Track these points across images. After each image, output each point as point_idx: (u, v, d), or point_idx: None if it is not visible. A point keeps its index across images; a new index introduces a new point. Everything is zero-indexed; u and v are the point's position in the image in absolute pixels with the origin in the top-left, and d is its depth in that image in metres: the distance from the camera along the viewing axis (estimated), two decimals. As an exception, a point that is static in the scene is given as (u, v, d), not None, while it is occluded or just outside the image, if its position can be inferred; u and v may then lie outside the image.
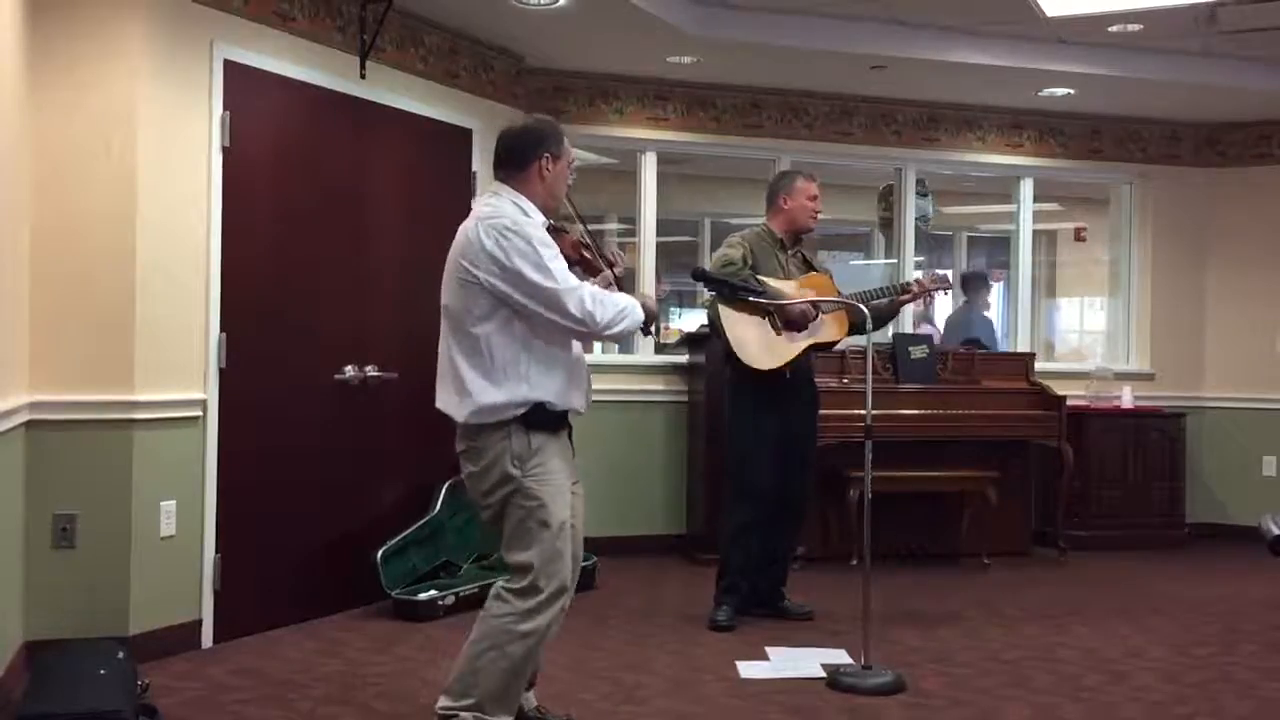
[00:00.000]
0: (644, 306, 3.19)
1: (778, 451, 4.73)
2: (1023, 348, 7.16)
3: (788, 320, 4.66)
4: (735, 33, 5.68)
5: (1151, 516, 6.87)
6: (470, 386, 3.04)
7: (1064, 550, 6.42)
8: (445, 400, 3.13)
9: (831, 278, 4.90)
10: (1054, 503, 6.49)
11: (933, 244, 7.53)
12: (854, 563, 5.69)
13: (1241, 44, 6.01)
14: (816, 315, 4.69)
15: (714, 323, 4.71)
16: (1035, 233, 7.56)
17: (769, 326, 4.66)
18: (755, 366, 4.63)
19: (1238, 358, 7.31)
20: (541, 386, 3.06)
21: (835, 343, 4.91)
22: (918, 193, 7.13)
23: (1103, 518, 6.78)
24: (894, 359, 6.33)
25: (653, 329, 3.33)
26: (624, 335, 3.21)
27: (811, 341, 4.74)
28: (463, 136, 5.48)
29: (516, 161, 3.17)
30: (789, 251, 4.82)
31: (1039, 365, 6.81)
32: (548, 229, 3.18)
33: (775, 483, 4.73)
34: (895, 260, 7.22)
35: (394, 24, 5.04)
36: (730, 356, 4.69)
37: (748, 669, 4.12)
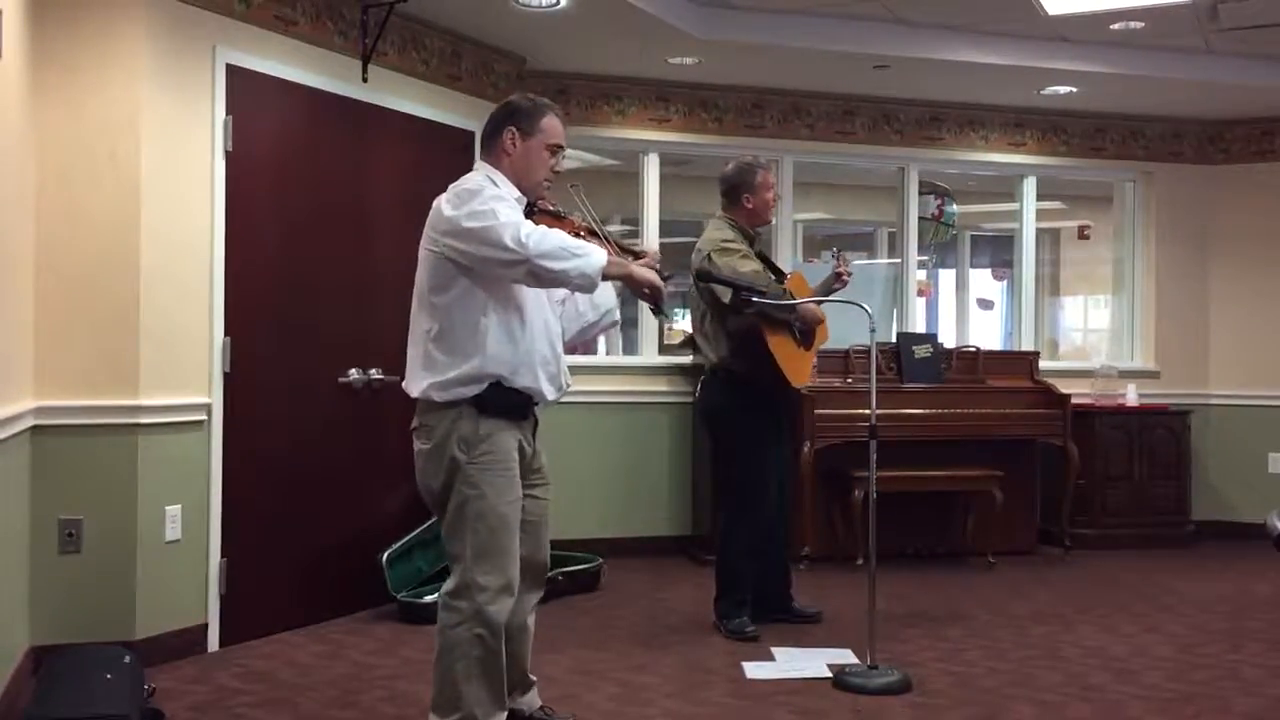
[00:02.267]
0: (640, 277, 3.02)
1: (776, 463, 4.71)
2: (1027, 346, 7.16)
3: (805, 330, 4.60)
4: (737, 33, 5.68)
5: (1157, 514, 6.85)
6: (426, 359, 3.01)
7: (1069, 549, 6.41)
8: (407, 375, 3.09)
9: (801, 274, 4.82)
10: (1059, 501, 6.47)
11: (935, 243, 7.50)
12: (859, 562, 5.68)
13: (1243, 41, 6.00)
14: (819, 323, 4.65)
15: (734, 335, 4.51)
16: (1039, 231, 7.56)
17: (793, 339, 4.56)
18: (795, 383, 4.57)
19: (1243, 354, 7.30)
20: (495, 360, 2.97)
21: None
22: (936, 195, 7.12)
23: (1108, 516, 6.77)
24: (898, 358, 6.33)
25: (663, 309, 3.17)
26: (570, 277, 2.91)
27: (818, 346, 4.74)
28: (465, 139, 5.48)
29: (488, 135, 3.18)
30: (753, 249, 4.71)
31: (1043, 364, 6.82)
32: (545, 212, 3.14)
33: (775, 493, 4.70)
34: (899, 260, 7.21)
35: (395, 27, 5.04)
36: (738, 371, 4.54)
37: (754, 669, 4.12)
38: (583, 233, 3.15)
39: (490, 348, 2.98)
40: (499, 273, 2.94)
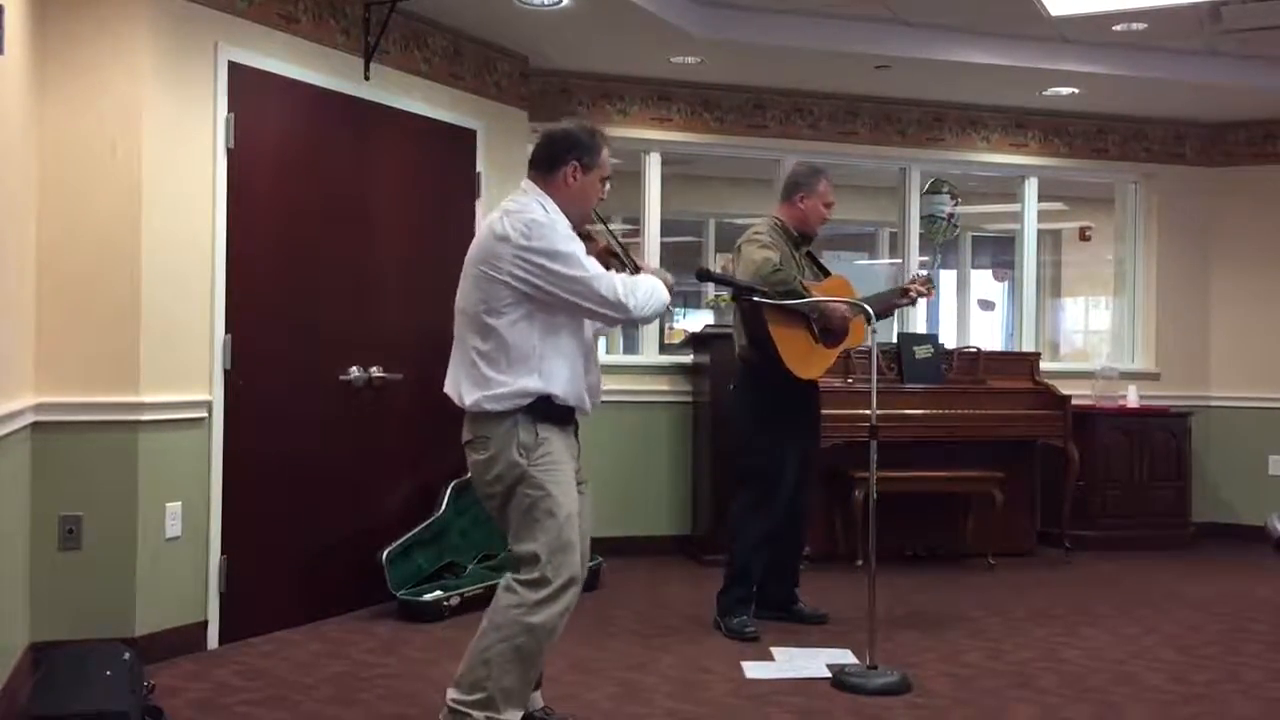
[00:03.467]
0: (671, 286, 3.28)
1: (796, 454, 4.66)
2: (1028, 347, 7.16)
3: (825, 328, 4.59)
4: (739, 33, 5.68)
5: (1157, 516, 6.85)
6: (478, 376, 3.08)
7: (1069, 550, 6.41)
8: (453, 386, 3.16)
9: (846, 279, 4.81)
10: (1059, 503, 6.47)
11: (926, 240, 7.50)
12: (859, 563, 5.69)
13: (1246, 43, 6.00)
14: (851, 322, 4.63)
15: (746, 324, 4.56)
16: (1040, 232, 7.56)
17: (808, 334, 4.57)
18: (801, 375, 4.54)
19: (1243, 356, 7.30)
20: (552, 380, 3.09)
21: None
22: (951, 196, 7.09)
23: (1108, 517, 6.77)
24: (899, 359, 6.32)
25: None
26: (657, 316, 3.28)
27: (843, 348, 4.73)
28: (467, 137, 5.48)
29: (547, 162, 3.20)
30: (801, 250, 4.74)
31: (1044, 365, 6.81)
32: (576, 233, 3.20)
33: (793, 491, 4.66)
34: (900, 260, 7.21)
35: (398, 25, 5.04)
36: (754, 362, 4.57)
37: (753, 669, 4.12)
38: (608, 256, 3.24)
39: (545, 369, 3.08)
40: (590, 318, 3.17)
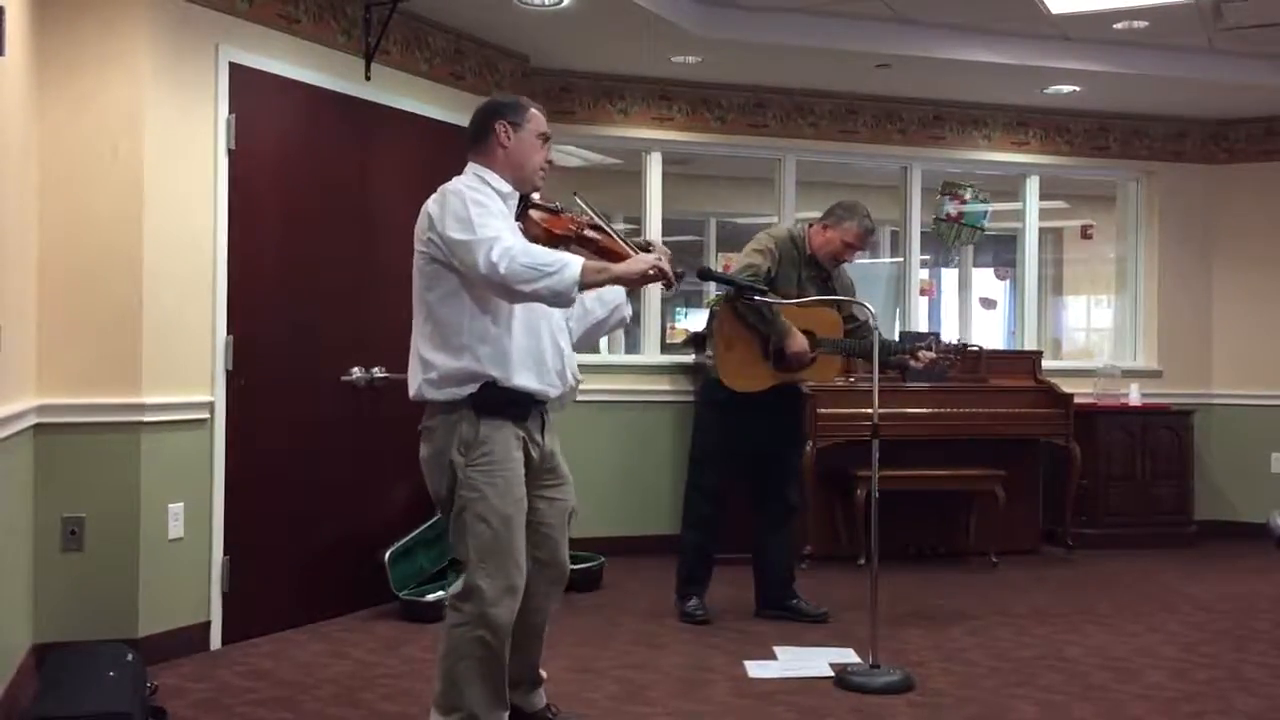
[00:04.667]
0: (629, 273, 2.96)
1: (745, 454, 4.75)
2: (1030, 346, 7.16)
3: (779, 352, 4.60)
4: (739, 32, 5.67)
5: (1160, 514, 6.85)
6: (419, 358, 3.03)
7: (1072, 548, 6.41)
8: (410, 373, 3.09)
9: (840, 316, 4.75)
10: (1062, 501, 6.47)
11: (939, 242, 7.50)
12: (862, 562, 5.68)
13: (1247, 40, 6.00)
14: (813, 359, 4.63)
15: (711, 327, 4.74)
16: (1041, 230, 7.56)
17: (758, 347, 4.62)
18: (725, 382, 4.63)
19: (1245, 354, 7.29)
20: (488, 359, 2.96)
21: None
22: (980, 199, 7.09)
23: (1111, 516, 6.76)
24: (901, 358, 6.32)
25: (676, 281, 3.03)
26: (542, 297, 2.88)
27: (791, 379, 4.70)
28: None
29: (476, 134, 3.15)
30: (811, 271, 4.73)
31: (1046, 363, 6.82)
32: (540, 207, 3.14)
33: (737, 478, 4.79)
34: (901, 259, 7.21)
35: (399, 26, 5.04)
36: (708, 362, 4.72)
37: (756, 669, 4.12)
38: (584, 228, 3.13)
39: (478, 347, 2.96)
40: (479, 288, 2.94)
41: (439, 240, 2.94)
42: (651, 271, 2.97)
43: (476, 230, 2.88)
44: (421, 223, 3.04)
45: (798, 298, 4.57)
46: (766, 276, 4.54)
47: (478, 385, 2.96)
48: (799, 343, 4.55)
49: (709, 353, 4.79)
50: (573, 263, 2.87)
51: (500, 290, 2.88)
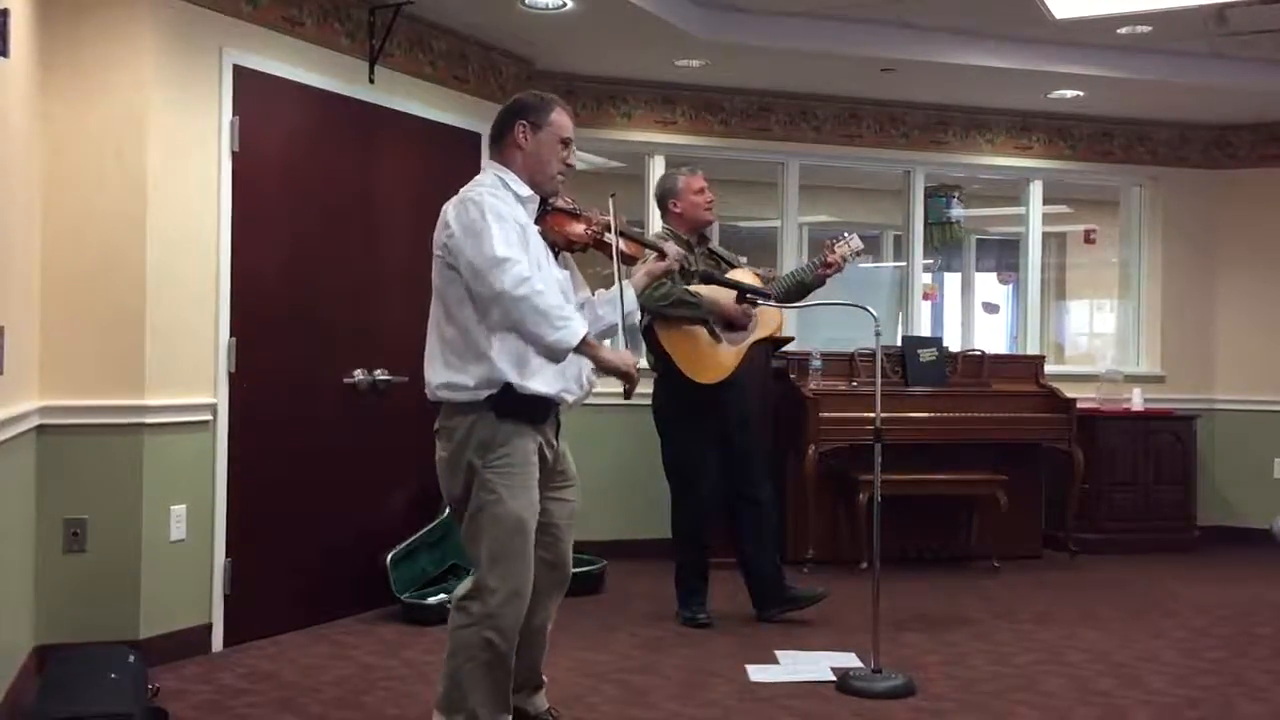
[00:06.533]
0: (607, 362, 3.00)
1: (718, 451, 4.75)
2: (1032, 350, 7.15)
3: (727, 323, 4.63)
4: (743, 36, 5.67)
5: (1162, 519, 6.84)
6: (439, 360, 3.03)
7: (1074, 553, 6.40)
8: (426, 373, 3.10)
9: (749, 267, 4.83)
10: (1064, 506, 6.47)
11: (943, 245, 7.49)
12: (864, 566, 5.68)
13: (1251, 45, 5.99)
14: (754, 314, 4.64)
15: (651, 344, 4.62)
16: (1045, 235, 7.55)
17: (705, 334, 4.63)
18: (700, 381, 4.60)
19: (1248, 359, 7.29)
20: (507, 363, 2.95)
21: (781, 339, 4.81)
22: (959, 200, 7.10)
23: (1113, 520, 6.75)
24: (903, 362, 6.32)
25: (629, 395, 3.08)
26: (543, 343, 2.89)
27: (751, 340, 4.72)
28: (472, 140, 5.48)
29: (497, 135, 3.15)
30: (696, 251, 4.76)
31: (1049, 368, 6.81)
32: (560, 210, 3.14)
33: (717, 483, 4.77)
34: (904, 263, 7.21)
35: (402, 28, 5.05)
36: (669, 370, 4.64)
37: (757, 672, 4.11)
38: (603, 233, 3.16)
39: (498, 352, 2.96)
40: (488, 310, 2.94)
41: (453, 244, 2.96)
42: (623, 370, 3.00)
43: (497, 249, 2.87)
44: (440, 226, 3.04)
45: (704, 281, 4.56)
46: (686, 281, 4.53)
47: (496, 388, 2.97)
48: (733, 305, 4.55)
49: (660, 367, 4.71)
50: (577, 327, 2.90)
51: (502, 317, 2.90)
